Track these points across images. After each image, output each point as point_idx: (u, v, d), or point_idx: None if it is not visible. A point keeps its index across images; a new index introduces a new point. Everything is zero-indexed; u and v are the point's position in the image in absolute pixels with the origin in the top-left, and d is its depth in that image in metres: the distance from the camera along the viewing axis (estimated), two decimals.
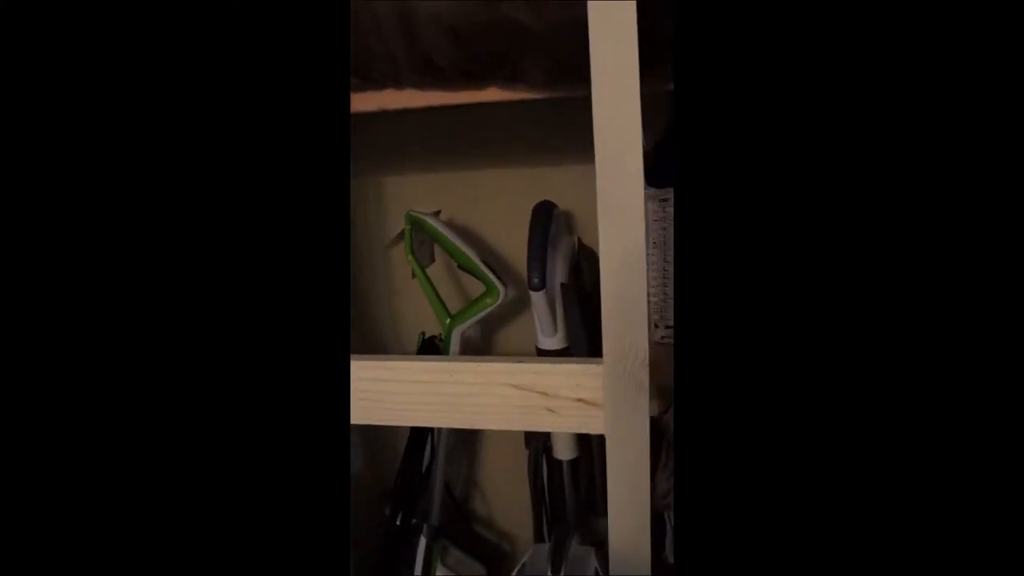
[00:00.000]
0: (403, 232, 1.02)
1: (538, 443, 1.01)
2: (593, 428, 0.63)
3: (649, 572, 0.61)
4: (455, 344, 1.05)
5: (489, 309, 0.96)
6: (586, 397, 0.62)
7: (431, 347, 1.14)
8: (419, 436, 1.22)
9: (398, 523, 1.22)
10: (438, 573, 1.18)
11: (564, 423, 0.64)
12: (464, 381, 0.68)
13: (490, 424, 0.68)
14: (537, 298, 0.81)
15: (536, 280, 0.77)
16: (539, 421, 0.65)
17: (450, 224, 1.02)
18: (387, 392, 0.69)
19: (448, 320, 1.04)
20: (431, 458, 1.17)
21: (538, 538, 1.07)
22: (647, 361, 0.58)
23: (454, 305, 1.04)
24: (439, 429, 1.12)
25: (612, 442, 0.62)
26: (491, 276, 0.94)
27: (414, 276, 1.04)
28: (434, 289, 1.04)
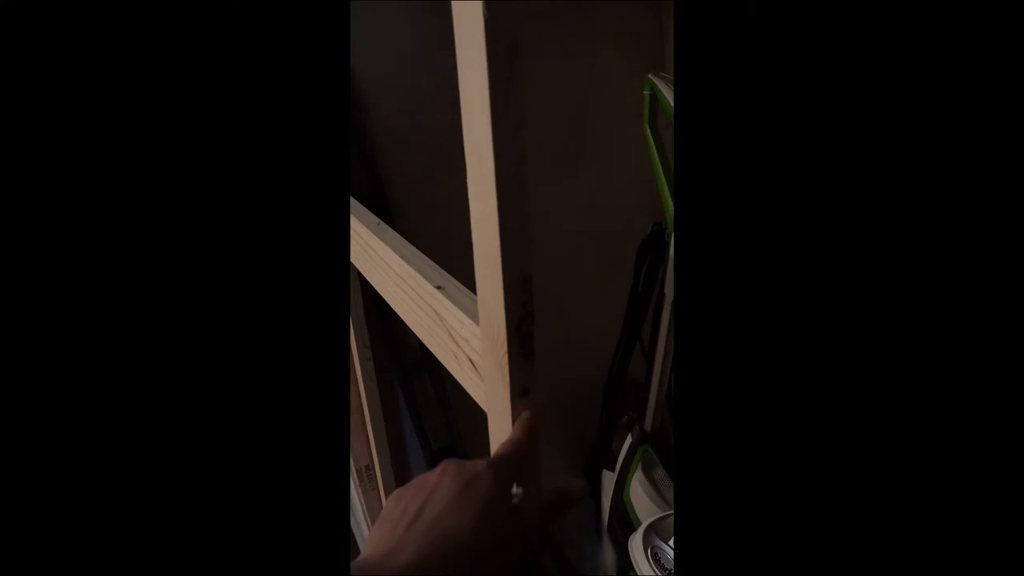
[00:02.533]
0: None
1: None
2: (481, 401, 0.48)
3: None
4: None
5: None
6: (473, 359, 0.47)
7: (658, 239, 0.99)
8: (629, 334, 1.12)
9: (604, 417, 1.21)
10: (635, 476, 1.14)
11: (463, 378, 0.50)
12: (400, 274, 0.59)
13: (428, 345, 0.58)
14: None
15: None
16: (451, 363, 0.52)
17: None
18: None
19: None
20: (648, 361, 1.08)
21: None
22: (506, 347, 0.40)
23: None
24: (651, 334, 1.01)
25: (492, 426, 0.47)
26: None
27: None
28: (668, 171, 0.88)
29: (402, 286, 0.59)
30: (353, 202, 0.79)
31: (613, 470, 1.13)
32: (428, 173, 0.97)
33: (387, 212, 0.94)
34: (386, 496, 1.09)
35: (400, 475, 1.11)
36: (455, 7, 0.35)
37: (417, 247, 0.62)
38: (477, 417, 1.15)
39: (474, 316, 0.45)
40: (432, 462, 1.14)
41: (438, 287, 0.51)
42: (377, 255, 0.66)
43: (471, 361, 0.47)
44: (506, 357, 0.41)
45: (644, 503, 1.00)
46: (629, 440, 1.10)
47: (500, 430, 0.45)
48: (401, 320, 0.99)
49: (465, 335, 0.47)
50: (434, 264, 0.55)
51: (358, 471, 1.08)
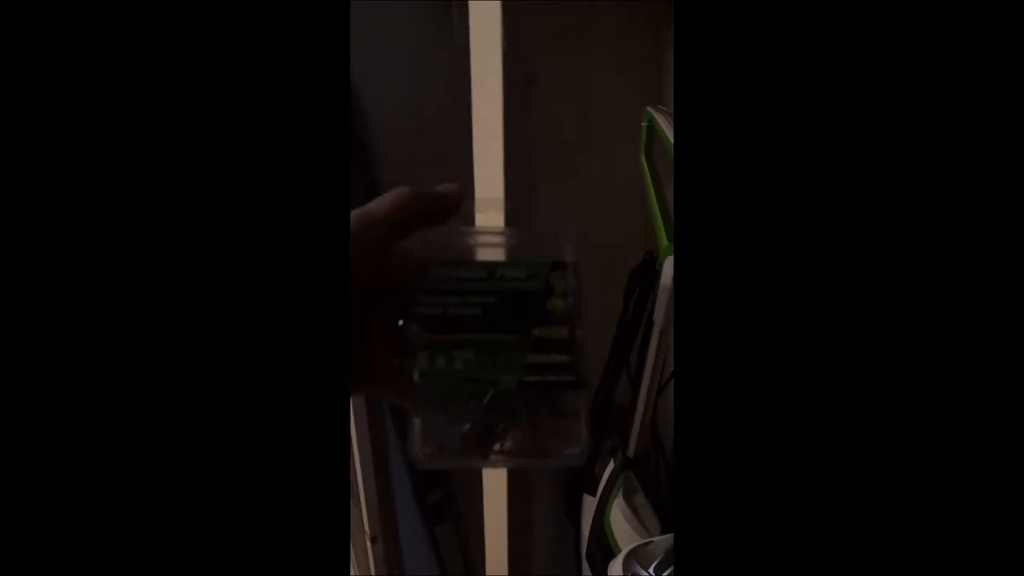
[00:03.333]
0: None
1: None
2: None
3: None
4: (666, 276, 0.91)
5: None
6: None
7: (649, 268, 1.01)
8: (617, 360, 1.13)
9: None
10: (615, 502, 1.14)
11: None
12: None
13: None
14: None
15: None
16: None
17: None
18: None
19: (667, 244, 0.90)
20: (633, 388, 1.09)
21: None
22: None
23: None
24: (638, 361, 1.02)
25: None
26: None
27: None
28: (661, 202, 0.90)
29: None
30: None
31: (594, 495, 1.14)
32: (424, 185, 0.98)
33: None
34: (368, 514, 1.09)
35: (383, 492, 1.11)
36: (473, 37, 0.36)
37: None
38: None
39: None
40: (416, 481, 1.14)
41: None
42: None
43: None
44: None
45: (624, 529, 1.01)
46: (611, 465, 1.11)
47: None
48: None
49: None
50: None
51: None
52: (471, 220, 0.44)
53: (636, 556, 0.88)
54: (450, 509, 1.21)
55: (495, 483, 0.47)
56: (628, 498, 1.05)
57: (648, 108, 0.88)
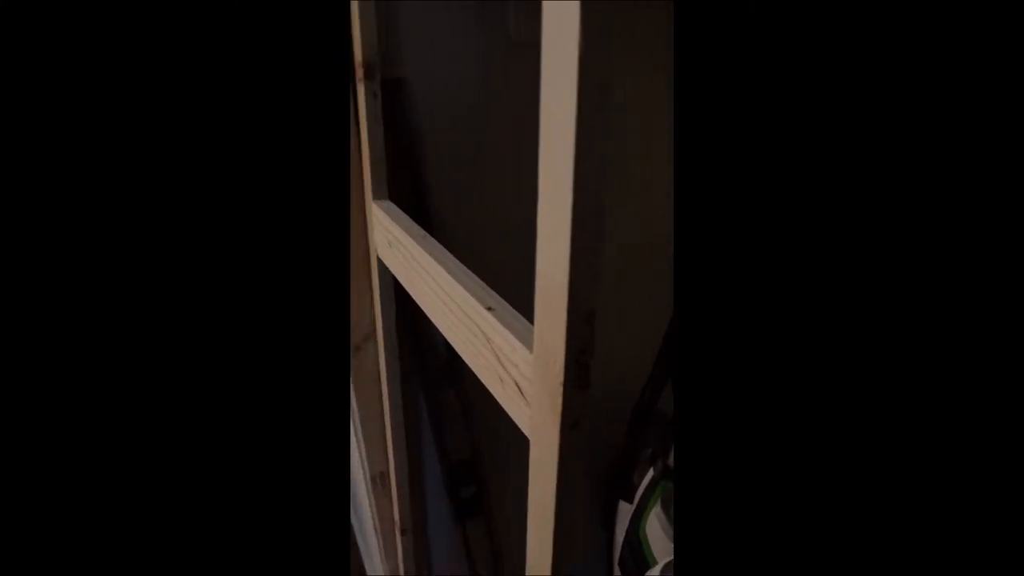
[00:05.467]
0: None
1: None
2: (524, 427, 0.47)
3: None
4: None
5: None
6: (521, 384, 0.46)
7: None
8: (664, 365, 1.11)
9: (629, 446, 1.20)
10: (653, 511, 1.12)
11: (508, 403, 0.49)
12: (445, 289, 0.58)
13: (467, 360, 0.57)
14: None
15: None
16: (493, 384, 0.51)
17: None
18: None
19: None
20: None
21: None
22: (562, 377, 0.40)
23: None
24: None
25: (535, 453, 0.46)
26: None
27: None
28: None
29: (447, 302, 0.58)
30: (397, 210, 0.79)
31: (631, 502, 1.12)
32: (471, 185, 0.96)
33: (428, 220, 0.93)
34: (399, 506, 1.08)
35: (415, 485, 1.10)
36: (545, 40, 0.34)
37: (455, 256, 0.62)
38: (498, 432, 1.14)
39: (526, 342, 0.44)
40: (448, 474, 1.13)
41: (488, 308, 0.50)
42: (420, 267, 0.66)
43: (518, 386, 0.46)
44: (560, 388, 0.40)
45: (661, 540, 0.99)
46: (651, 474, 1.09)
47: (544, 459, 0.44)
48: (430, 330, 0.98)
49: (515, 360, 0.46)
50: (483, 284, 0.55)
51: (372, 478, 1.07)
52: None
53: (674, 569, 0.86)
54: (482, 504, 1.20)
55: (543, 481, 0.45)
56: (667, 508, 1.02)
57: None
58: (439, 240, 0.68)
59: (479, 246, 0.96)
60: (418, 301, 0.70)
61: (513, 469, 1.17)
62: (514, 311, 0.49)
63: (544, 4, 0.34)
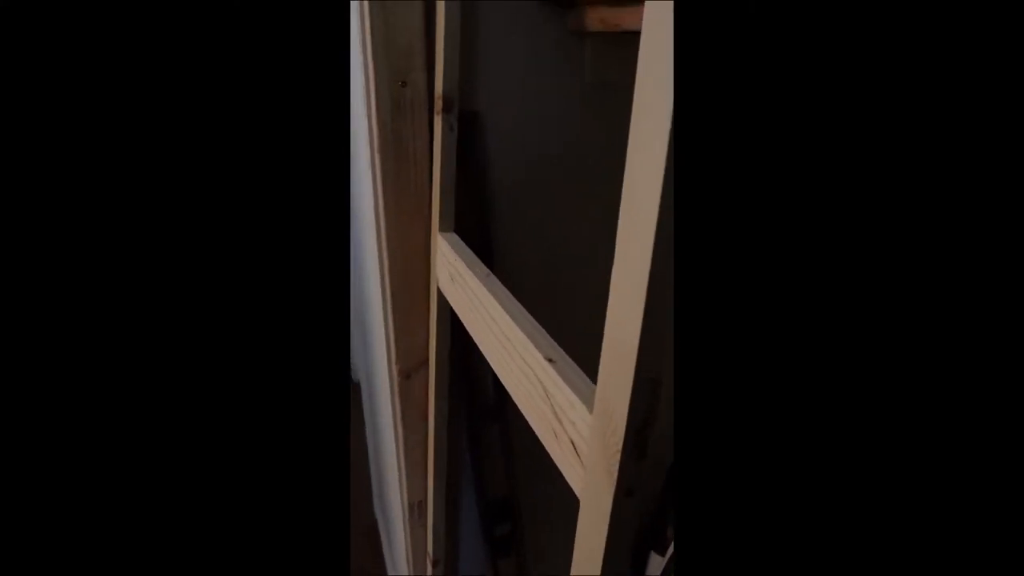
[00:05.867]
0: None
1: None
2: (576, 487, 0.46)
3: None
4: None
5: None
6: (577, 443, 0.45)
7: None
8: None
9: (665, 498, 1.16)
10: None
11: (561, 459, 0.48)
12: (503, 334, 0.57)
13: (523, 410, 0.56)
14: None
15: None
16: (546, 436, 0.50)
17: None
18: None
19: None
20: None
21: None
22: (622, 445, 0.38)
23: None
24: None
25: (585, 516, 0.45)
26: None
27: None
28: None
29: (506, 346, 0.58)
30: (462, 244, 0.79)
31: (663, 555, 1.08)
32: (536, 224, 0.96)
33: (490, 256, 0.93)
34: (433, 536, 1.07)
35: (451, 518, 1.09)
36: (640, 81, 0.34)
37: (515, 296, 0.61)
38: (537, 474, 1.12)
39: (587, 401, 0.43)
40: (485, 510, 1.12)
41: (549, 359, 0.49)
42: (481, 305, 0.65)
43: (573, 445, 0.45)
44: (619, 455, 0.38)
45: None
46: None
47: (594, 523, 0.43)
48: (480, 365, 0.98)
49: (572, 417, 0.45)
50: (545, 333, 0.54)
51: (410, 506, 1.06)
52: None
53: None
54: (514, 544, 1.18)
55: (591, 545, 0.44)
56: None
57: None
58: (498, 277, 0.68)
59: (538, 288, 0.95)
60: (475, 338, 0.69)
61: (549, 513, 1.15)
62: (575, 366, 0.48)
63: (643, 38, 0.34)
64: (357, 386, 2.27)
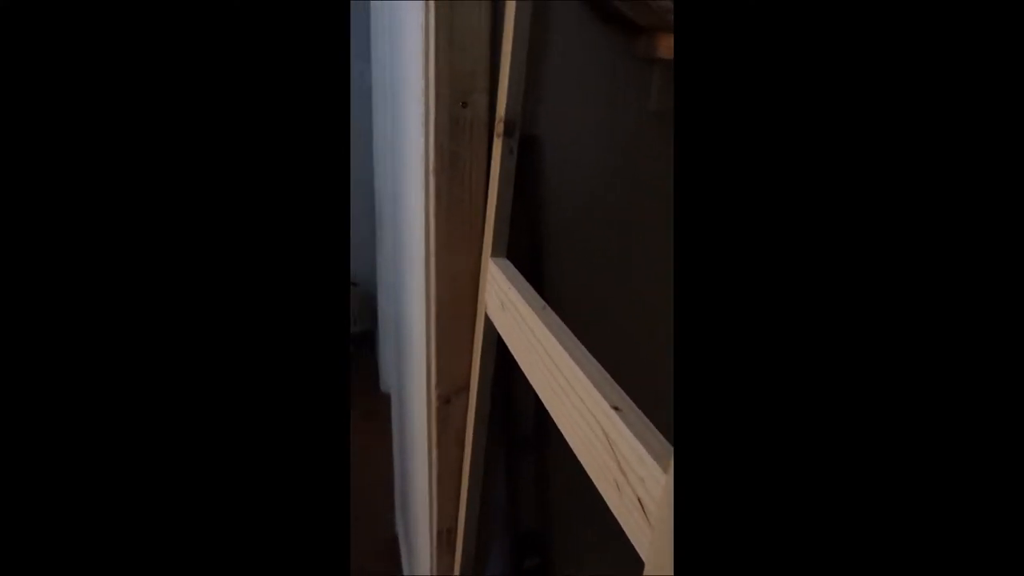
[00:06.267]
0: None
1: None
2: (640, 546, 0.43)
3: None
4: None
5: None
6: (645, 502, 0.42)
7: None
8: None
9: None
10: None
11: (623, 514, 0.45)
12: (561, 382, 0.54)
13: (580, 455, 0.53)
14: None
15: None
16: (606, 488, 0.47)
17: None
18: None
19: None
20: None
21: None
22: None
23: None
24: None
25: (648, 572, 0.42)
26: None
27: None
28: None
29: (564, 387, 0.55)
30: (515, 272, 0.77)
31: None
32: (592, 260, 0.93)
33: (540, 285, 0.91)
34: (461, 564, 1.04)
35: (480, 547, 1.06)
36: None
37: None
38: (571, 510, 1.08)
39: (660, 459, 0.40)
40: (515, 542, 1.09)
41: (615, 407, 0.46)
42: (537, 340, 0.63)
43: (640, 503, 0.42)
44: None
45: None
46: None
47: None
48: (520, 393, 0.95)
49: (641, 473, 0.42)
50: (609, 377, 0.51)
51: (439, 533, 1.04)
52: None
53: None
54: None
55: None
56: None
57: None
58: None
59: (591, 322, 0.92)
60: (524, 368, 0.67)
61: (581, 550, 1.12)
62: (644, 417, 0.45)
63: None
64: (387, 397, 2.26)
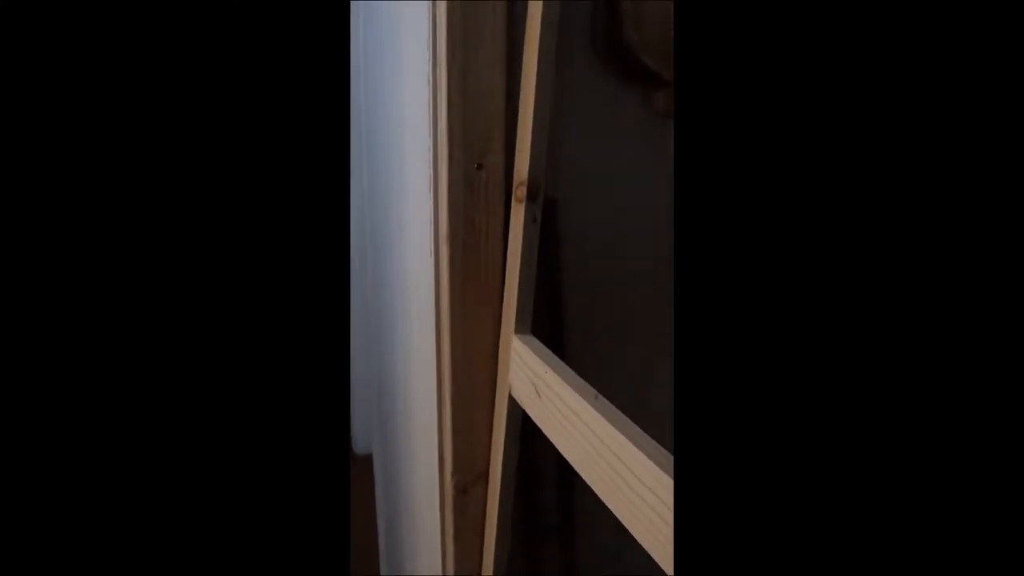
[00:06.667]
0: None
1: None
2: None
3: None
4: None
5: None
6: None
7: None
8: None
9: None
10: None
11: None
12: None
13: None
14: None
15: None
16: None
17: None
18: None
19: None
20: None
21: None
22: None
23: None
24: None
25: None
26: None
27: None
28: None
29: (622, 472, 0.48)
30: (548, 353, 0.69)
31: None
32: (617, 331, 0.86)
33: (561, 350, 0.83)
34: None
35: None
36: None
37: None
38: None
39: None
40: None
41: None
42: (594, 435, 0.55)
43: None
44: None
45: None
46: None
47: None
48: (544, 478, 0.87)
49: None
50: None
51: None
52: None
53: None
54: None
55: None
56: None
57: None
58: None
59: (626, 407, 0.85)
60: (573, 462, 0.59)
61: None
62: None
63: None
64: (363, 459, 2.13)
